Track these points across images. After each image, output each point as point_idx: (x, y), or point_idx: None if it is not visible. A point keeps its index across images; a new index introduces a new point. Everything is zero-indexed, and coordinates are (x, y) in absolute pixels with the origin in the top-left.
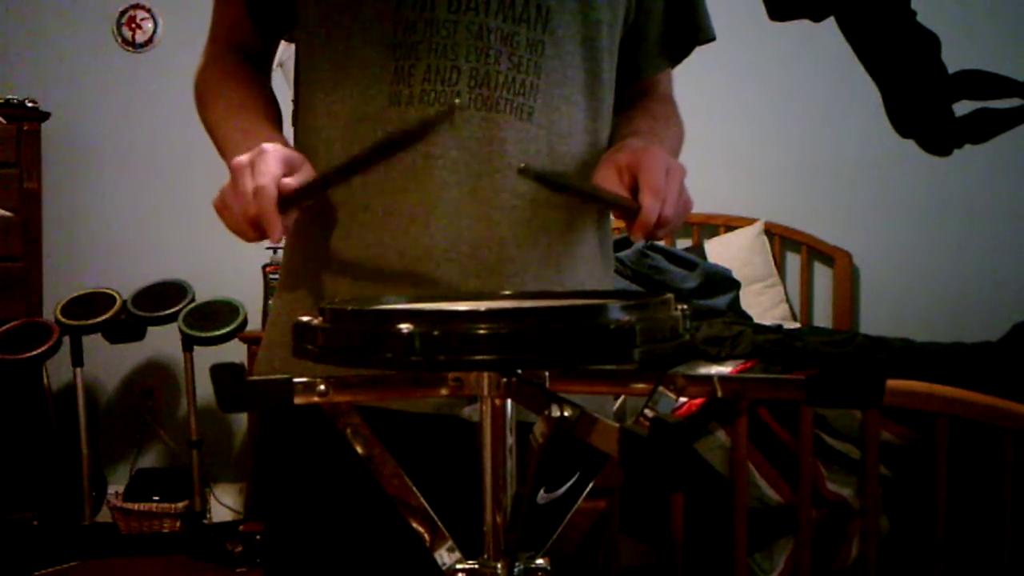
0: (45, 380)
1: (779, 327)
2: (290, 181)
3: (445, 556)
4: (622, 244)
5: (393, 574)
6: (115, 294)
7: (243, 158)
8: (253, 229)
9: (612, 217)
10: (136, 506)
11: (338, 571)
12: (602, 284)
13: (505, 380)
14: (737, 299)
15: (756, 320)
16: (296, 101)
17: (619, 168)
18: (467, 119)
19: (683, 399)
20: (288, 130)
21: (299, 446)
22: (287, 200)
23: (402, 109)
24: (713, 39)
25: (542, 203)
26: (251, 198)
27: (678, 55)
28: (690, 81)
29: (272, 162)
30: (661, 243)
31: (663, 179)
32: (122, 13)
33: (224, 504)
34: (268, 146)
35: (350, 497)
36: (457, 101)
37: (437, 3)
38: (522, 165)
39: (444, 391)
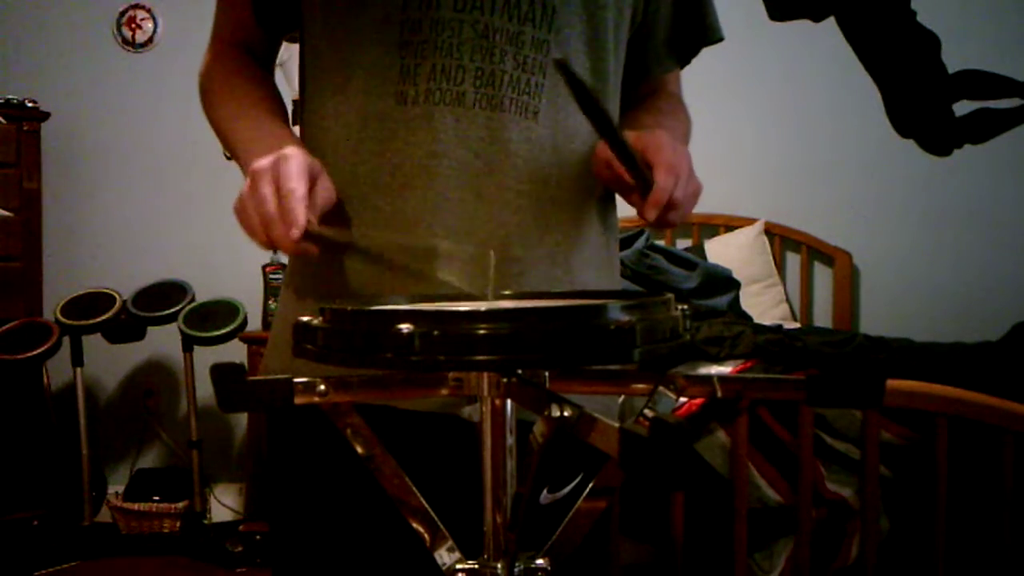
0: (45, 380)
1: (779, 327)
2: (312, 220)
3: (445, 556)
4: (622, 244)
5: (394, 574)
6: (115, 294)
7: (263, 162)
8: (268, 232)
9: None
10: (136, 506)
11: (340, 570)
12: (608, 284)
13: (505, 380)
14: (737, 299)
15: (756, 320)
16: (297, 101)
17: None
18: (472, 118)
19: (683, 399)
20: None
21: (303, 446)
22: (309, 235)
23: (408, 108)
24: (721, 39)
25: (547, 202)
26: (271, 199)
27: (686, 55)
28: (690, 81)
29: (296, 166)
30: (661, 243)
31: (674, 157)
32: (122, 13)
33: (224, 504)
34: (290, 150)
35: (352, 497)
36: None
37: (443, 2)
38: (559, 59)
39: (444, 391)
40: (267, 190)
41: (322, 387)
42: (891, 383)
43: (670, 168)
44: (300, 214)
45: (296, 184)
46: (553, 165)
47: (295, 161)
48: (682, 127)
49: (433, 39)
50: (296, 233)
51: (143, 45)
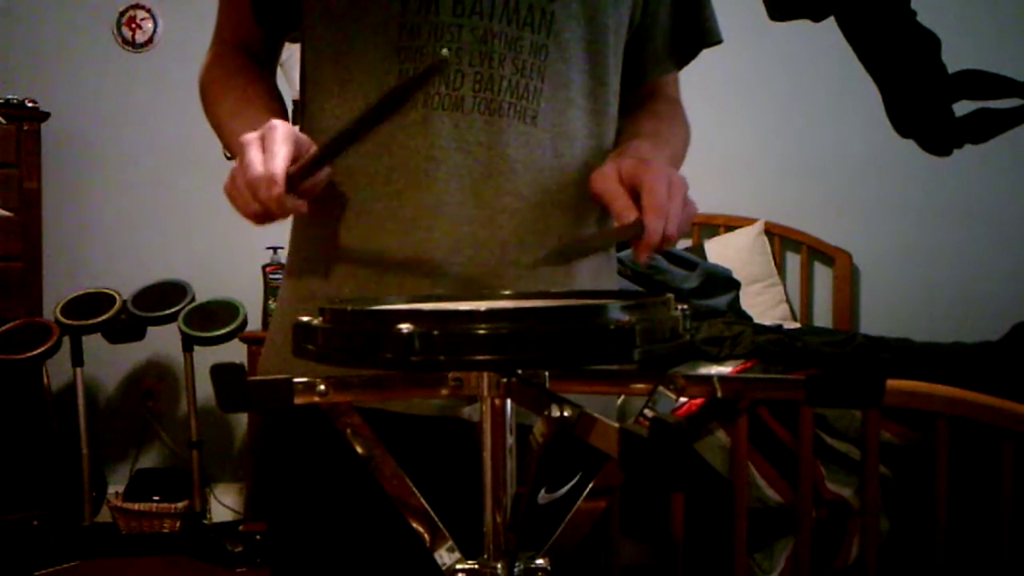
0: (45, 380)
1: (779, 327)
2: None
3: (445, 556)
4: (622, 244)
5: (394, 574)
6: (115, 294)
7: (252, 133)
8: (257, 202)
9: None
10: (136, 506)
11: (339, 571)
12: (605, 286)
13: (505, 380)
14: (737, 299)
15: (756, 320)
16: (297, 102)
17: (620, 174)
18: (471, 123)
19: (683, 399)
20: None
21: (301, 446)
22: (292, 177)
23: (406, 112)
24: (720, 42)
25: (544, 206)
26: (257, 163)
27: (684, 57)
28: (690, 81)
29: (281, 133)
30: None
31: (665, 196)
32: (122, 13)
33: (224, 504)
34: (278, 122)
35: (352, 497)
36: (445, 51)
37: (442, 7)
38: (548, 254)
39: (444, 391)
40: (255, 155)
41: (322, 387)
42: (891, 383)
43: (659, 211)
44: (281, 169)
45: (279, 147)
46: (552, 169)
47: (280, 129)
48: (681, 134)
49: (432, 44)
50: (278, 188)
51: (143, 45)
